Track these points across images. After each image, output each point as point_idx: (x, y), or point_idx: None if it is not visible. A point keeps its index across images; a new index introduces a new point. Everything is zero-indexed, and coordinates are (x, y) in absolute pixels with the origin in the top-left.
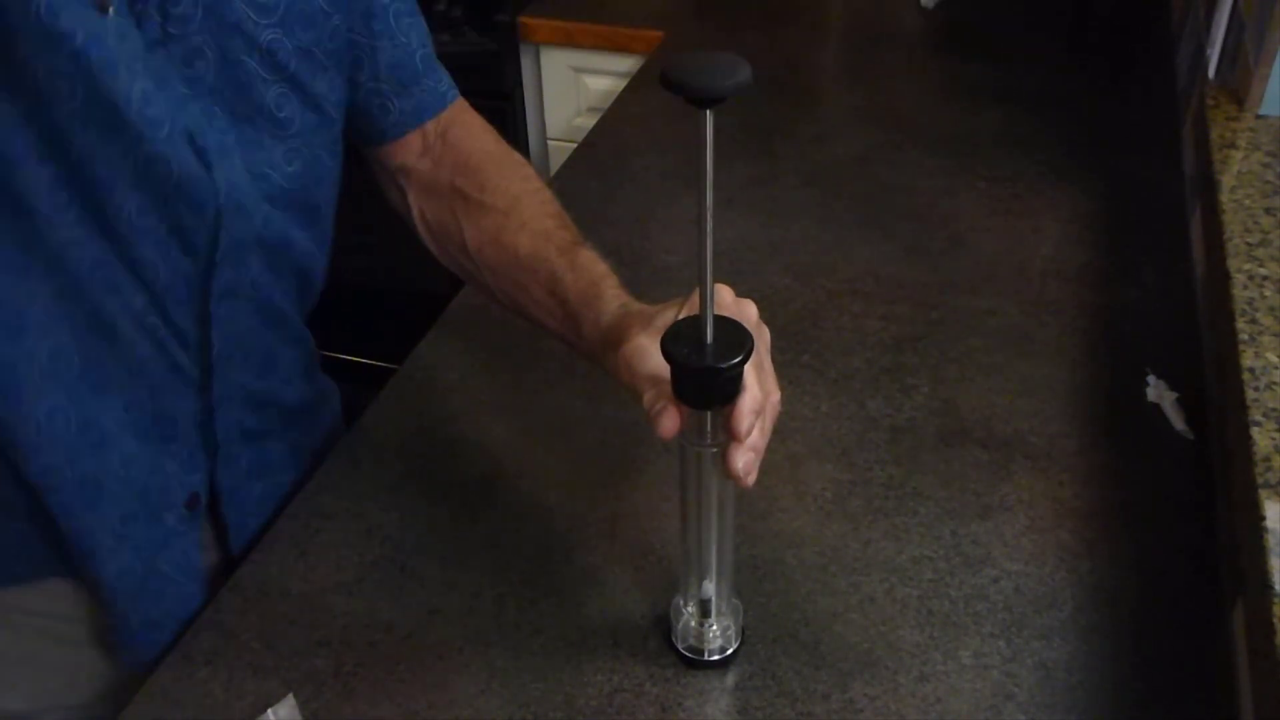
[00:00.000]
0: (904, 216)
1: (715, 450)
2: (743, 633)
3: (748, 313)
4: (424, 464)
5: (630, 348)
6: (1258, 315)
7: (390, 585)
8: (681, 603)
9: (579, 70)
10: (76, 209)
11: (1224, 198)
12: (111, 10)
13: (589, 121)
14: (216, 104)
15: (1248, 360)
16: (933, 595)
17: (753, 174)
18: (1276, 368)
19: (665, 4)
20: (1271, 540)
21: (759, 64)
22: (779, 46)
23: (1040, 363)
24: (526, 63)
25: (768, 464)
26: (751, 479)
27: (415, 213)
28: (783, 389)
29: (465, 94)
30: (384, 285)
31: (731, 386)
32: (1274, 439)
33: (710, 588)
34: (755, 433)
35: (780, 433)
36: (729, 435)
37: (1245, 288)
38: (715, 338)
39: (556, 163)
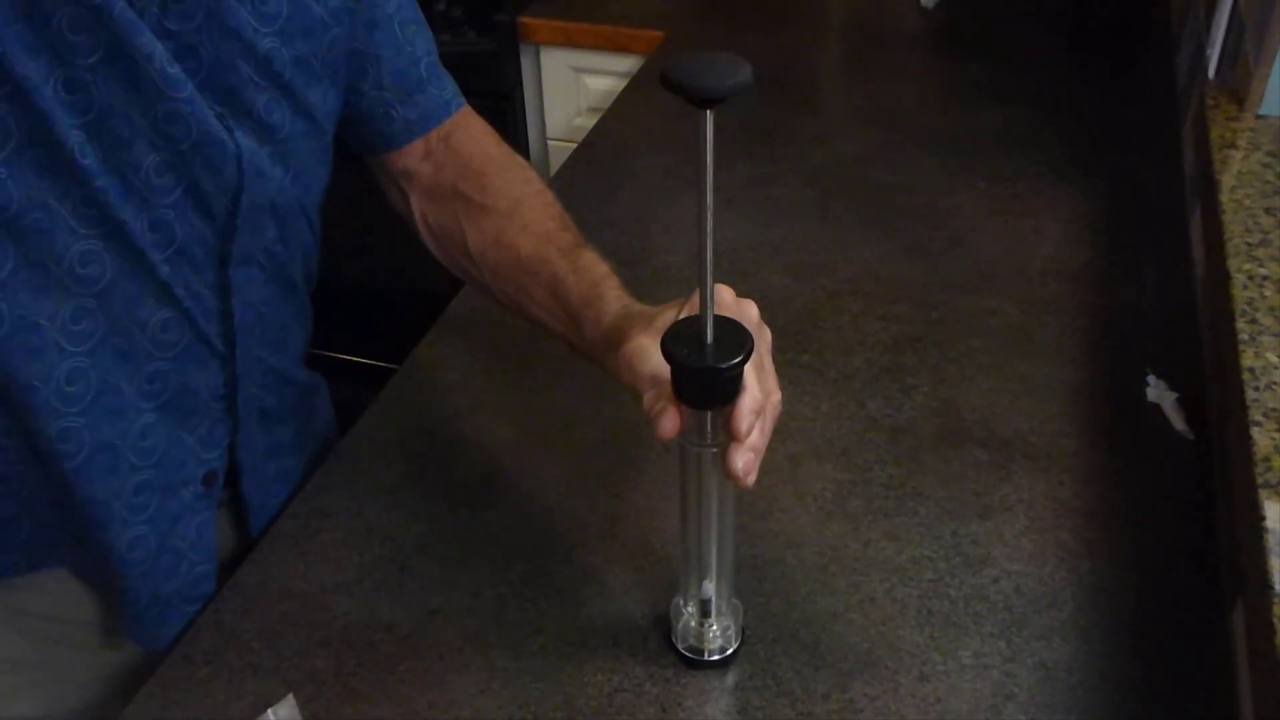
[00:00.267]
0: (904, 216)
1: (715, 450)
2: (743, 633)
3: (748, 313)
4: (424, 464)
5: (630, 347)
6: (1258, 315)
7: (390, 585)
8: (681, 603)
9: (579, 70)
10: (101, 164)
11: (1224, 198)
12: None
13: (589, 121)
14: (209, 97)
15: (1248, 360)
16: (933, 595)
17: (753, 174)
18: (1276, 368)
19: (665, 4)
20: (1271, 540)
21: (759, 64)
22: (779, 46)
23: (1040, 363)
24: (526, 63)
25: (768, 464)
26: (751, 479)
27: (417, 215)
28: (783, 389)
29: (465, 94)
30: (384, 285)
31: (731, 387)
32: (1274, 439)
33: (710, 588)
34: (755, 433)
35: (780, 433)
36: (729, 435)
37: (1245, 288)
38: (715, 338)
39: (556, 163)
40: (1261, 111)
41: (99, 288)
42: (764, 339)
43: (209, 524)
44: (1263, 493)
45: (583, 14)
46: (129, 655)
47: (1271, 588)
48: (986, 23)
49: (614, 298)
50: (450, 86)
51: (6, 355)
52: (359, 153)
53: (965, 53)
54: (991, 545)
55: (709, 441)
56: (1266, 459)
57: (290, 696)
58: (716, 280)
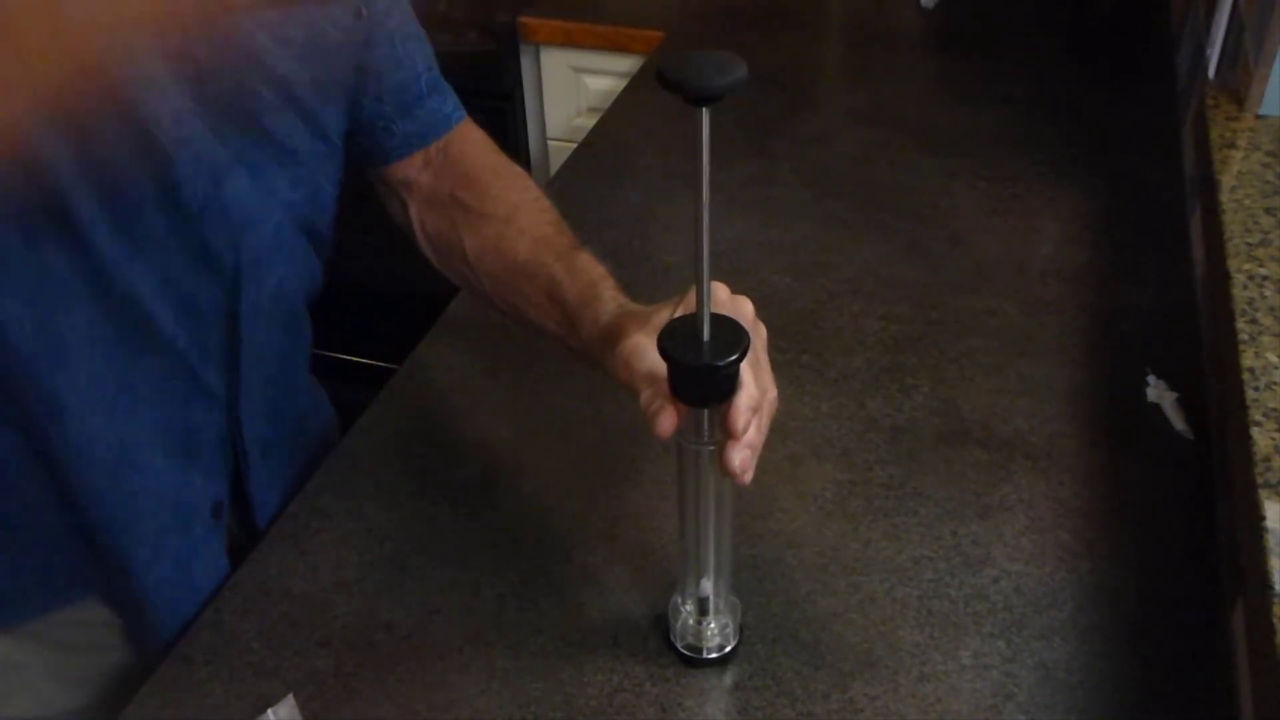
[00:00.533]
0: (904, 216)
1: (712, 448)
2: (741, 631)
3: (743, 310)
4: (424, 464)
5: (627, 346)
6: (1258, 315)
7: (390, 585)
8: (680, 601)
9: (579, 70)
10: (114, 232)
11: (1224, 198)
12: (144, 31)
13: (589, 121)
14: (226, 126)
15: (1248, 360)
16: (933, 595)
17: (752, 174)
18: (1276, 368)
19: (665, 4)
20: (1271, 540)
21: (759, 64)
22: (779, 46)
23: (1040, 363)
24: (526, 63)
25: (768, 464)
26: (749, 477)
27: (416, 224)
28: (783, 389)
29: (465, 94)
30: (384, 286)
31: (728, 384)
32: (1274, 439)
33: (708, 586)
34: (752, 430)
35: (780, 433)
36: (726, 433)
37: (1245, 288)
38: (711, 335)
39: (556, 163)
40: (1261, 111)
41: (105, 348)
42: (759, 335)
43: (221, 553)
44: (1263, 493)
45: (583, 14)
46: (128, 655)
47: (1271, 588)
48: (986, 23)
49: (610, 298)
50: (450, 100)
51: (36, 419)
52: (359, 165)
53: (965, 53)
54: (991, 545)
55: (706, 439)
56: (1266, 459)
57: (290, 696)
58: (713, 278)
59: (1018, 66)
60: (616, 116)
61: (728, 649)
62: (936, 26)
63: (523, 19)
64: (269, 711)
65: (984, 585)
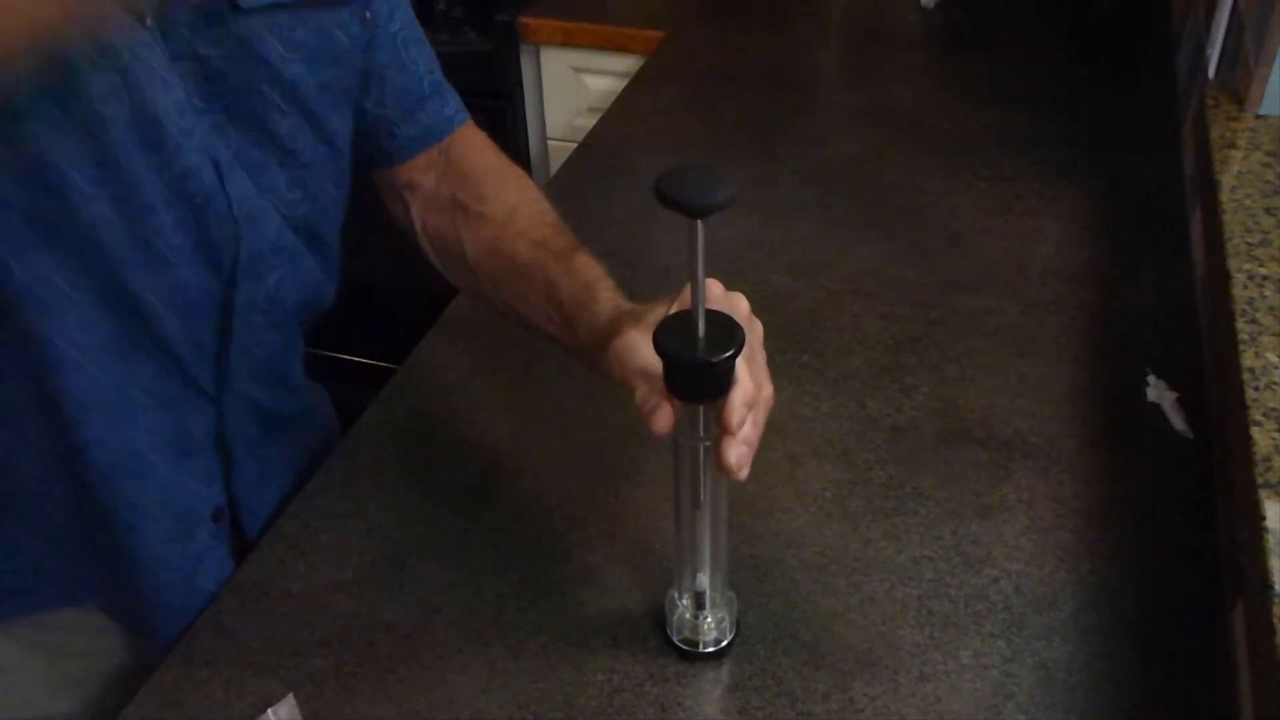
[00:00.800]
0: (904, 216)
1: (708, 444)
2: (738, 625)
3: (738, 306)
4: (424, 464)
5: (621, 343)
6: (1258, 315)
7: (390, 585)
8: (676, 595)
9: (579, 70)
10: (125, 236)
11: (1224, 198)
12: (150, 20)
13: (589, 121)
14: (229, 123)
15: (1248, 360)
16: (933, 595)
17: (753, 174)
18: (1276, 368)
19: (665, 4)
20: (1271, 540)
21: (759, 64)
22: (779, 46)
23: (1040, 363)
24: (526, 63)
25: (767, 464)
26: (744, 473)
27: (418, 226)
28: (782, 389)
29: (465, 94)
30: (383, 285)
31: (723, 380)
32: (1274, 439)
33: (704, 580)
34: (748, 426)
35: (780, 433)
36: (721, 429)
37: (1245, 288)
38: (706, 331)
39: (556, 163)
40: (1261, 111)
41: (95, 351)
42: (755, 332)
43: (225, 559)
44: (1263, 493)
45: (583, 14)
46: (122, 660)
47: (1271, 588)
48: (986, 23)
49: (606, 299)
50: (453, 102)
51: (44, 425)
52: (361, 166)
53: (965, 53)
54: (991, 545)
55: (701, 435)
56: (1266, 459)
57: (290, 696)
58: (707, 275)
59: (1018, 66)
60: (616, 116)
61: (724, 643)
62: (936, 26)
63: (523, 19)
64: (269, 711)
65: (984, 585)
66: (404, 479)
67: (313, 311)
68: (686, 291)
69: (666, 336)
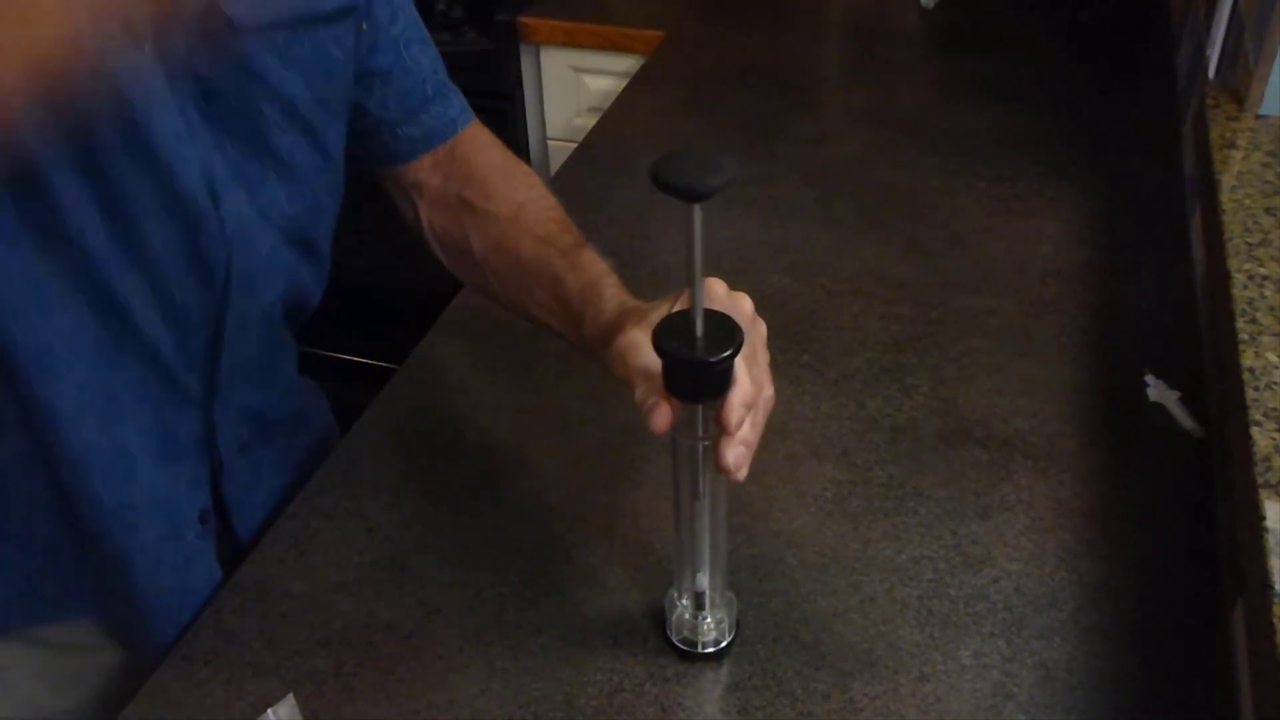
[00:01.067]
0: (904, 216)
1: (707, 444)
2: (737, 625)
3: (742, 306)
4: (424, 464)
5: (623, 341)
6: (1258, 315)
7: (390, 585)
8: (676, 595)
9: (579, 70)
10: (115, 245)
11: (1224, 198)
12: (147, 47)
13: (589, 121)
14: (228, 141)
15: (1248, 360)
16: (933, 595)
17: (753, 174)
18: (1276, 368)
19: (665, 4)
20: (1271, 540)
21: (759, 64)
22: (779, 46)
23: (1040, 363)
24: (526, 63)
25: (768, 464)
26: (743, 473)
27: (426, 226)
28: (782, 389)
29: (465, 94)
30: (384, 285)
31: (722, 380)
32: (1274, 439)
33: (704, 580)
34: (746, 426)
35: (780, 432)
36: (720, 429)
37: (1245, 288)
38: (706, 331)
39: (556, 163)
40: (1261, 111)
41: (86, 355)
42: (758, 332)
43: (213, 559)
44: (1263, 492)
45: (583, 14)
46: (119, 656)
47: (1271, 588)
48: (986, 23)
49: (611, 295)
50: (457, 103)
51: (36, 427)
52: (368, 166)
53: (965, 52)
54: (991, 545)
55: (700, 434)
56: (1266, 459)
57: (290, 696)
58: (710, 276)
59: (1018, 66)
60: (616, 116)
61: (724, 643)
62: (936, 26)
63: (523, 19)
64: (269, 711)
65: (984, 585)
66: (404, 479)
67: (302, 314)
68: (688, 291)
69: (665, 336)
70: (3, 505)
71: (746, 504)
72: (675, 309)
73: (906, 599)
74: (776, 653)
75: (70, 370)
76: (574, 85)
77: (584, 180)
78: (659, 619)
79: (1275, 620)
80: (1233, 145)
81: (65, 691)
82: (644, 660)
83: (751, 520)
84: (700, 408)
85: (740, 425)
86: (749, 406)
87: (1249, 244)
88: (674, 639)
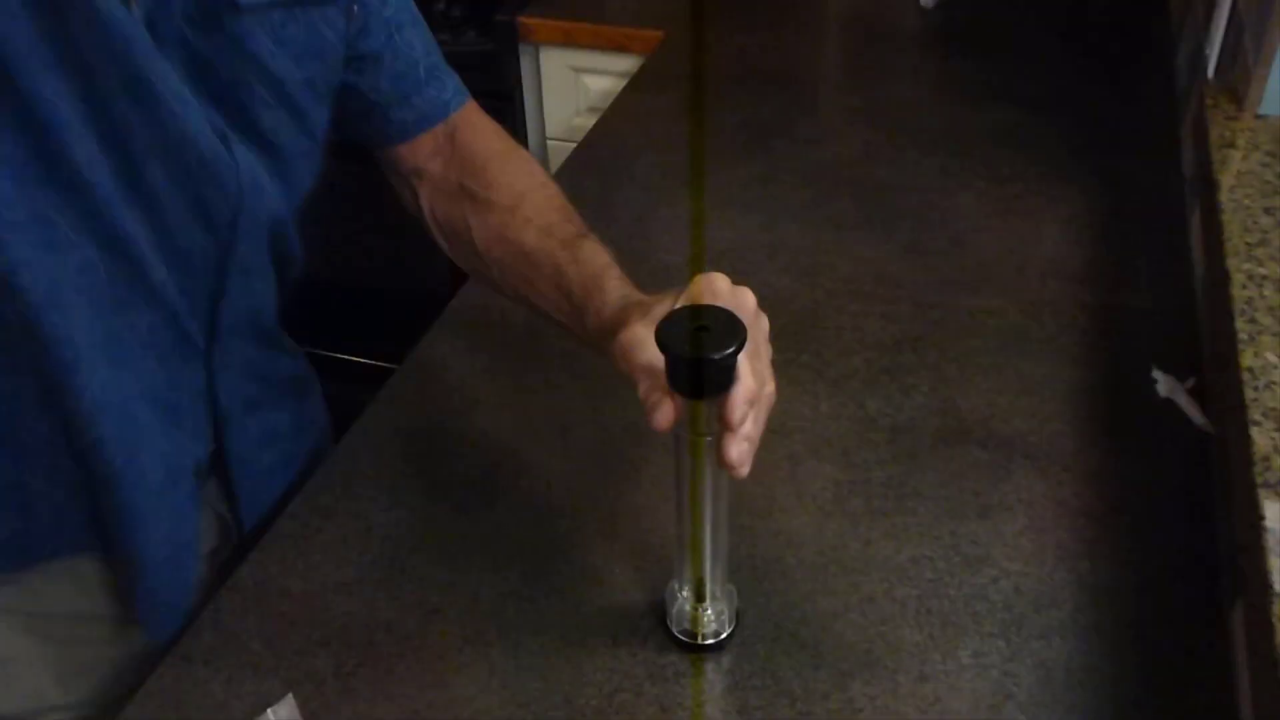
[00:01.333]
0: (903, 216)
1: (710, 439)
2: (738, 618)
3: (745, 301)
4: (424, 464)
5: (626, 336)
6: (1257, 315)
7: (390, 585)
8: (676, 587)
9: (579, 70)
10: (114, 179)
11: (1223, 197)
12: (134, 6)
13: (589, 121)
14: (216, 113)
15: (1247, 360)
16: (932, 595)
17: (753, 174)
18: (1276, 368)
19: (665, 4)
20: (1271, 540)
21: (759, 64)
22: (779, 46)
23: (1040, 363)
24: (526, 63)
25: (767, 464)
26: (745, 470)
27: (427, 212)
28: (782, 389)
29: None
30: (384, 285)
31: (725, 376)
32: (1273, 439)
33: (705, 573)
34: (749, 423)
35: (780, 432)
36: (723, 425)
37: (1245, 287)
38: (710, 327)
39: (556, 163)
40: (1261, 111)
41: (93, 295)
42: (760, 328)
43: (196, 511)
44: (1262, 492)
45: (583, 14)
46: (134, 647)
47: (1271, 588)
48: (986, 23)
49: (614, 288)
50: (451, 85)
51: (48, 365)
52: (364, 146)
53: (965, 53)
54: (991, 545)
55: (703, 431)
56: (1266, 459)
57: (290, 696)
58: (714, 272)
59: (1017, 66)
60: (616, 116)
61: (723, 636)
62: (936, 26)
63: (522, 19)
64: (269, 711)
65: (983, 585)
66: (404, 479)
67: (290, 276)
68: (692, 284)
69: (668, 332)
70: (14, 445)
71: (746, 504)
72: (678, 304)
73: (906, 599)
74: (776, 652)
75: (79, 311)
76: (573, 85)
77: (583, 180)
78: (659, 618)
79: (1275, 620)
80: (1232, 145)
81: (71, 685)
82: (644, 660)
83: (751, 520)
84: (703, 404)
85: (743, 421)
86: (752, 403)
87: (1248, 244)
88: (674, 630)
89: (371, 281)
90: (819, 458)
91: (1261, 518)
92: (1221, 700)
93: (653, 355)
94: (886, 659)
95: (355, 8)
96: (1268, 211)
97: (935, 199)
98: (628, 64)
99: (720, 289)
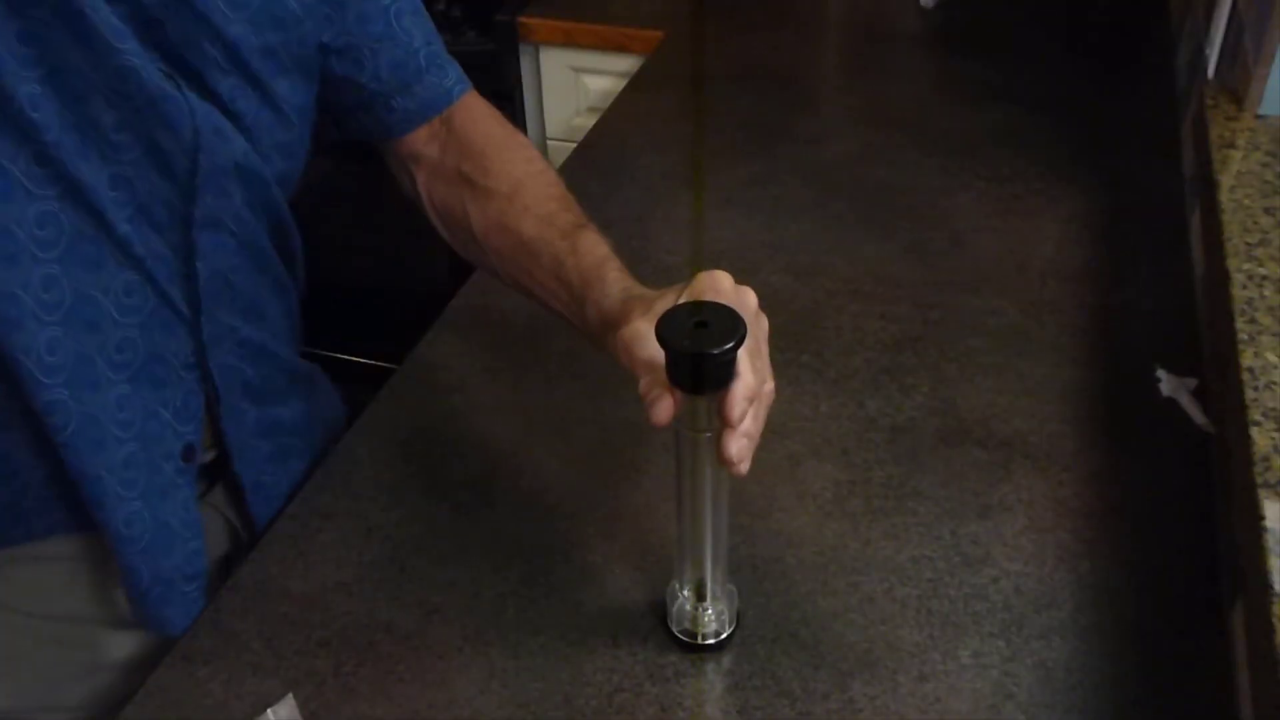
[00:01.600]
0: (903, 216)
1: (709, 436)
2: (739, 618)
3: (747, 300)
4: (424, 464)
5: (627, 332)
6: (1257, 315)
7: (390, 585)
8: (677, 587)
9: (579, 70)
10: (57, 118)
11: (1223, 197)
12: None
13: (589, 121)
14: (172, 73)
15: (1247, 360)
16: (932, 595)
17: (752, 174)
18: (1276, 368)
19: (665, 4)
20: (1271, 540)
21: (759, 64)
22: (779, 46)
23: (1040, 363)
24: (526, 63)
25: (767, 464)
26: (745, 467)
27: (425, 199)
28: (782, 389)
29: None
30: (384, 284)
31: (724, 372)
32: (1273, 439)
33: (705, 569)
34: (749, 419)
35: (780, 432)
36: (723, 421)
37: (1245, 287)
38: (710, 323)
39: (556, 162)
40: (1261, 111)
41: (59, 250)
42: (761, 327)
43: (192, 500)
44: (1262, 492)
45: (583, 14)
46: (135, 648)
47: (1271, 588)
48: (986, 23)
49: (614, 280)
50: (452, 73)
51: (4, 315)
52: (366, 140)
53: (965, 53)
54: (991, 545)
55: (703, 427)
56: (1266, 459)
57: (290, 696)
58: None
59: (1017, 66)
60: (616, 116)
61: (724, 635)
62: (936, 26)
63: (522, 19)
64: (269, 711)
65: (983, 585)
66: (404, 479)
67: (286, 244)
68: (695, 281)
69: (669, 328)
70: (13, 410)
71: (746, 503)
72: (680, 300)
73: (906, 599)
74: (776, 652)
75: (35, 263)
76: (573, 85)
77: (583, 180)
78: (659, 618)
79: (1275, 620)
80: (1232, 145)
81: (69, 687)
82: (644, 660)
83: (751, 520)
84: (703, 400)
85: (743, 418)
86: (752, 399)
87: (1248, 244)
88: (675, 630)
89: (371, 281)
90: (819, 458)
91: (1261, 518)
92: (1221, 700)
93: (654, 350)
94: (886, 659)
95: None
96: (1268, 211)
97: (935, 199)
98: (628, 64)
99: (723, 287)
